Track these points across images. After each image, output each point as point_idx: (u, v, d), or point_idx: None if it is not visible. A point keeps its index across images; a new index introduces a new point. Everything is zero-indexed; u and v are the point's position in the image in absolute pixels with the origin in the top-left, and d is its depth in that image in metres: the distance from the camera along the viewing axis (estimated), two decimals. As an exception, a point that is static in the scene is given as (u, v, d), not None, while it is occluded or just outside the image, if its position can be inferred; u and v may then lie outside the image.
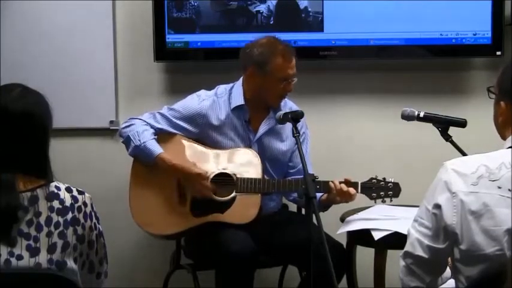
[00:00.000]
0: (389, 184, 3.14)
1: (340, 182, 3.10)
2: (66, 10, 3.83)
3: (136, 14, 3.85)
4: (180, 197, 3.22)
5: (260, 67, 3.19)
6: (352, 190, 3.08)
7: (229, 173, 3.20)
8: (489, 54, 3.65)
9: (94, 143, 3.93)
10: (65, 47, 3.85)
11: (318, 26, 3.70)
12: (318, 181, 3.08)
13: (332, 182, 3.10)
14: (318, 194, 3.12)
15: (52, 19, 3.84)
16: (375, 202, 3.16)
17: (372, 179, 3.15)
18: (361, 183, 3.13)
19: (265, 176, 3.23)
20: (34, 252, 1.96)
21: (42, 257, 1.96)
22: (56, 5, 3.82)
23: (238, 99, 3.27)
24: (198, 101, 3.29)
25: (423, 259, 2.04)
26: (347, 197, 3.10)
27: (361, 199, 3.28)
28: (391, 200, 3.15)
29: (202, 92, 3.34)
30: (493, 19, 3.61)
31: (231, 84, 3.34)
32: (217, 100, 3.29)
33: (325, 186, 3.11)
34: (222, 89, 3.34)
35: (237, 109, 3.27)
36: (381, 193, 3.13)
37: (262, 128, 3.30)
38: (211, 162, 3.23)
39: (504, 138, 2.06)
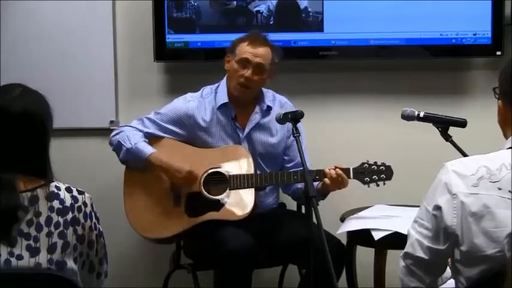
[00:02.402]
0: (381, 167, 3.16)
1: (330, 169, 3.11)
2: (66, 10, 3.82)
3: (136, 14, 3.85)
4: (175, 198, 3.23)
5: (230, 51, 3.29)
6: (340, 172, 3.10)
7: (221, 171, 3.21)
8: (489, 54, 3.66)
9: (94, 143, 3.92)
10: (64, 47, 3.84)
11: (318, 26, 3.70)
12: (313, 170, 3.12)
13: (323, 170, 3.12)
14: (315, 183, 3.14)
15: (52, 19, 3.84)
16: (368, 186, 3.16)
17: (363, 163, 3.17)
18: (352, 169, 3.15)
19: (258, 172, 3.24)
20: (34, 252, 1.95)
21: (42, 257, 1.96)
22: (56, 5, 3.82)
23: (223, 97, 3.29)
24: (184, 102, 3.32)
25: (423, 260, 2.04)
26: (339, 184, 3.10)
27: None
28: (384, 183, 3.15)
29: (188, 94, 3.37)
30: (493, 19, 3.62)
31: (216, 84, 3.37)
32: (203, 101, 3.32)
33: (319, 174, 3.13)
34: (208, 89, 3.37)
35: (222, 107, 3.29)
36: (374, 177, 3.15)
37: (250, 124, 3.31)
38: (202, 161, 3.24)
39: (506, 137, 2.06)
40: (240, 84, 3.24)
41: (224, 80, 3.34)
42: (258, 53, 3.22)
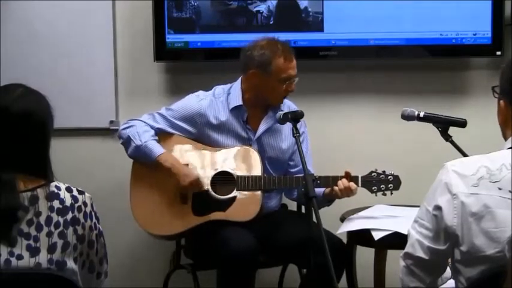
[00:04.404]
0: (389, 177, 3.16)
1: (341, 177, 3.12)
2: (66, 10, 3.82)
3: (136, 14, 3.85)
4: (182, 196, 3.23)
5: (262, 69, 3.20)
6: (352, 185, 3.11)
7: (230, 171, 3.21)
8: (489, 54, 3.66)
9: (94, 143, 3.92)
10: (65, 47, 3.84)
11: (318, 26, 3.70)
12: (318, 176, 3.12)
13: (331, 177, 3.13)
14: (321, 189, 3.14)
15: (52, 19, 3.84)
16: (376, 195, 3.17)
17: (372, 172, 3.17)
18: (361, 177, 3.16)
19: (265, 175, 3.24)
20: (34, 252, 1.95)
21: (42, 257, 1.96)
22: (56, 5, 3.82)
23: (237, 99, 3.28)
24: (196, 100, 3.30)
25: (423, 260, 2.04)
26: (348, 192, 3.11)
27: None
28: (391, 193, 3.16)
29: (201, 92, 3.35)
30: (493, 19, 3.62)
31: (229, 85, 3.36)
32: (215, 100, 3.30)
33: (325, 181, 3.14)
34: (220, 89, 3.35)
35: (235, 109, 3.29)
36: (381, 186, 3.15)
37: (262, 127, 3.31)
38: (211, 160, 3.24)
39: (506, 137, 2.06)
40: (284, 97, 3.27)
41: (238, 82, 3.32)
42: (294, 65, 3.22)
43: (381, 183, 3.16)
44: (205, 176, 3.22)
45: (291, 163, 3.39)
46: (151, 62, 3.81)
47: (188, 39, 3.75)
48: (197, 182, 3.18)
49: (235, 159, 3.24)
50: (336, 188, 3.11)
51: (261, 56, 3.20)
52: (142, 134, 3.23)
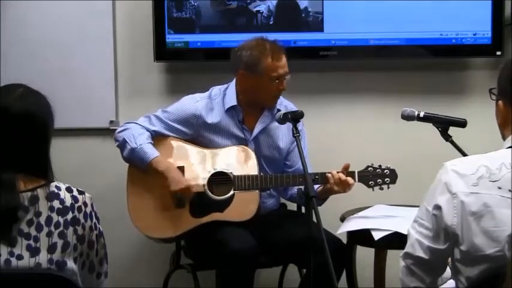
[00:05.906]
0: (385, 171, 3.17)
1: (338, 172, 3.12)
2: (66, 10, 3.82)
3: (136, 14, 3.85)
4: (177, 199, 3.22)
5: (250, 69, 3.20)
6: (350, 179, 3.10)
7: (226, 171, 3.21)
8: (489, 54, 3.66)
9: (94, 143, 3.93)
10: (64, 47, 3.85)
11: (318, 26, 3.70)
12: (316, 173, 3.12)
13: (330, 172, 3.12)
14: (314, 187, 3.13)
15: (52, 19, 3.84)
16: (373, 190, 3.17)
17: (368, 167, 3.17)
18: (357, 172, 3.16)
19: (261, 173, 3.24)
20: (34, 252, 1.95)
21: (42, 257, 1.96)
22: (56, 5, 3.82)
23: (232, 100, 3.28)
24: (192, 102, 3.31)
25: (423, 260, 2.04)
26: (345, 186, 3.10)
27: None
28: (388, 187, 3.16)
29: (197, 94, 3.36)
30: (493, 19, 3.62)
31: (226, 85, 3.36)
32: (211, 101, 3.31)
33: (323, 177, 3.13)
34: (216, 90, 3.35)
35: (230, 110, 3.29)
36: (378, 180, 3.16)
37: (258, 127, 3.31)
38: (207, 161, 3.24)
39: (504, 137, 2.06)
40: (277, 96, 3.26)
41: (233, 83, 3.32)
42: (284, 64, 3.21)
43: (378, 177, 3.16)
44: (202, 177, 3.21)
45: (287, 163, 3.38)
46: (151, 62, 3.81)
47: (188, 39, 3.76)
48: (187, 189, 3.16)
49: (231, 159, 3.24)
50: (331, 180, 3.10)
51: (248, 57, 3.20)
52: (138, 137, 3.22)
